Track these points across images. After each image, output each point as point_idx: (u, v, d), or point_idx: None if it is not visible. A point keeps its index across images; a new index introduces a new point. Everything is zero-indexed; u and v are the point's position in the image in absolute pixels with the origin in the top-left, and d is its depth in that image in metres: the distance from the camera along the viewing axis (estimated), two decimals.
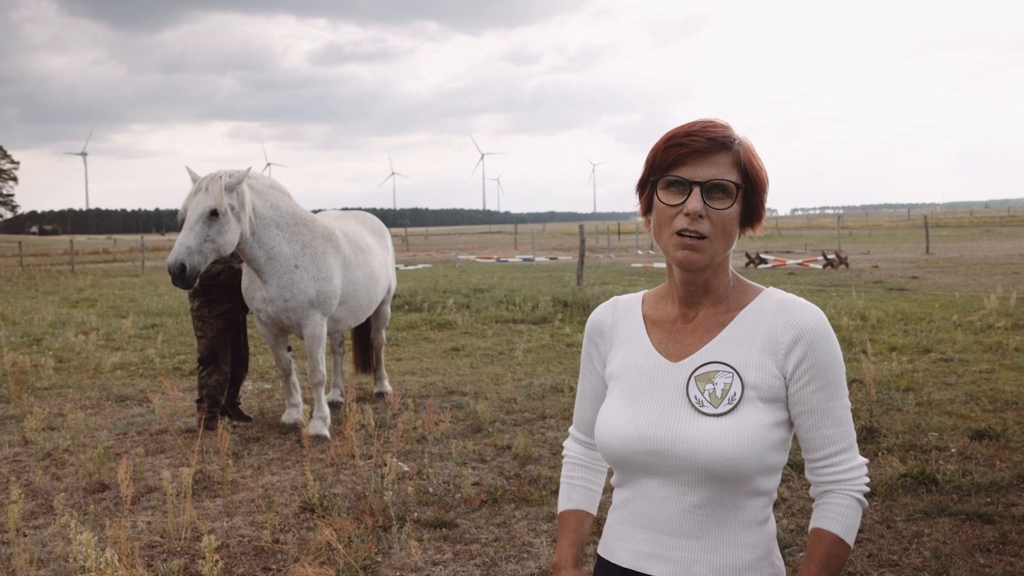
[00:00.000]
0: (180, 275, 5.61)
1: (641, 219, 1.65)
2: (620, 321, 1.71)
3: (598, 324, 1.75)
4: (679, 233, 1.51)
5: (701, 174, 1.50)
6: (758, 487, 1.53)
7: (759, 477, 1.52)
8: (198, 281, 5.83)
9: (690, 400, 1.53)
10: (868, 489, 1.56)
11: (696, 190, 1.50)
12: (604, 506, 1.88)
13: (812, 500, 1.61)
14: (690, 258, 1.52)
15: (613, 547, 1.64)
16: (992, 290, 14.74)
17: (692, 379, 1.55)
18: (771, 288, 1.63)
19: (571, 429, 1.87)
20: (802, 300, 1.58)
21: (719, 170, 1.51)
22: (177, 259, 5.58)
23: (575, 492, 1.81)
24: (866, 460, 1.58)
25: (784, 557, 3.94)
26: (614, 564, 1.63)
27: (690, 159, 1.51)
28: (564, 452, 1.86)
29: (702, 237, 1.50)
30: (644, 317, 1.68)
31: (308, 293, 6.35)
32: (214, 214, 5.68)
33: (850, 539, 1.53)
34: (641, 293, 1.76)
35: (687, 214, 1.50)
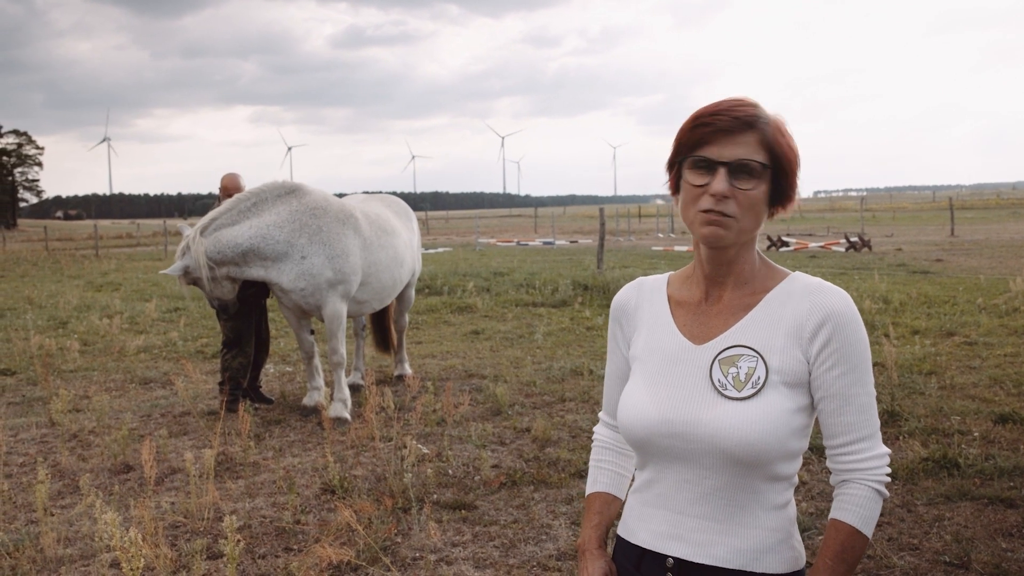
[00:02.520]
0: (223, 310, 6.73)
1: (661, 202, 1.64)
2: (644, 302, 1.69)
3: (623, 304, 1.73)
4: (703, 211, 1.50)
5: (726, 154, 1.49)
6: (778, 472, 1.51)
7: (780, 462, 1.50)
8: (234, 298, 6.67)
9: (713, 383, 1.52)
10: (888, 479, 1.52)
11: (721, 170, 1.48)
12: None
13: (832, 485, 1.60)
14: (716, 233, 1.50)
15: (633, 527, 1.64)
16: (1018, 273, 14.55)
17: (716, 362, 1.53)
18: (798, 272, 1.61)
19: (601, 413, 1.85)
20: (829, 284, 1.55)
21: (745, 150, 1.49)
22: (212, 305, 6.75)
23: (602, 475, 1.79)
24: (888, 450, 1.53)
25: (804, 540, 3.93)
26: (633, 544, 1.63)
27: (715, 138, 1.49)
28: (594, 436, 1.85)
29: (728, 216, 1.49)
30: (669, 298, 1.67)
31: (324, 275, 6.41)
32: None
33: (868, 531, 1.50)
34: (667, 275, 1.74)
35: (712, 194, 1.49)
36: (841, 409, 1.51)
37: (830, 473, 1.58)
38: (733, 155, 1.49)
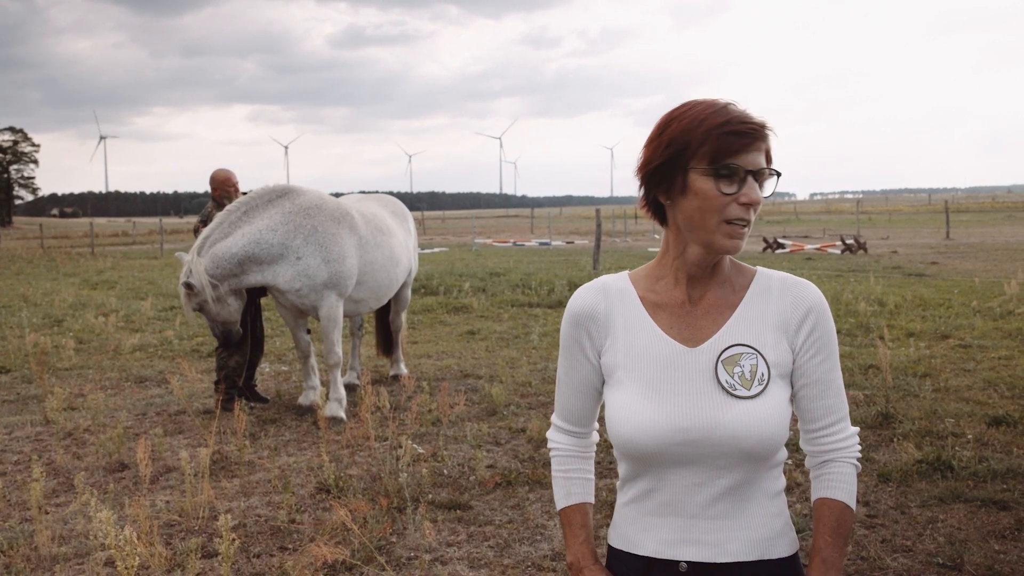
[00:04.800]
0: (226, 338, 6.62)
1: (641, 204, 1.62)
2: (616, 306, 1.63)
3: (589, 310, 1.63)
4: (729, 222, 1.50)
5: (754, 162, 1.50)
6: (778, 459, 1.59)
7: (780, 451, 1.58)
8: (236, 325, 6.65)
9: (722, 385, 1.52)
10: (860, 455, 1.63)
11: (751, 178, 1.50)
12: (610, 490, 1.88)
13: (808, 468, 1.66)
14: (738, 245, 1.52)
15: (636, 539, 1.60)
16: (1013, 276, 14.59)
17: (719, 363, 1.54)
18: (761, 267, 1.65)
19: (554, 418, 1.75)
20: (799, 278, 1.62)
21: (763, 158, 1.52)
22: (215, 334, 6.68)
23: (575, 486, 1.72)
24: (857, 428, 1.63)
25: (799, 541, 3.93)
26: (636, 555, 1.60)
27: (749, 147, 1.49)
28: (551, 445, 1.75)
29: (747, 224, 1.52)
30: (642, 300, 1.62)
31: (320, 276, 6.41)
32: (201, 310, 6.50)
33: (854, 505, 1.60)
34: (625, 274, 1.69)
35: (744, 203, 1.49)
36: (823, 393, 1.59)
37: (805, 456, 1.65)
38: (758, 163, 1.51)
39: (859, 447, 1.62)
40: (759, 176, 1.51)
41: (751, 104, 1.56)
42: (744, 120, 1.50)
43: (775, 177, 1.55)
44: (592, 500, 1.74)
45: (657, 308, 1.61)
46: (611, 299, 1.63)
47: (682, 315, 1.60)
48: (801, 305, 1.58)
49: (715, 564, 1.54)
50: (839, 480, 1.59)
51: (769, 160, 1.54)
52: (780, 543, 1.58)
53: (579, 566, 1.65)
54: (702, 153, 1.49)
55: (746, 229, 1.51)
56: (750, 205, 1.50)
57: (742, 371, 1.53)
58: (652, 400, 1.54)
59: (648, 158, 1.56)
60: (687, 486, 1.55)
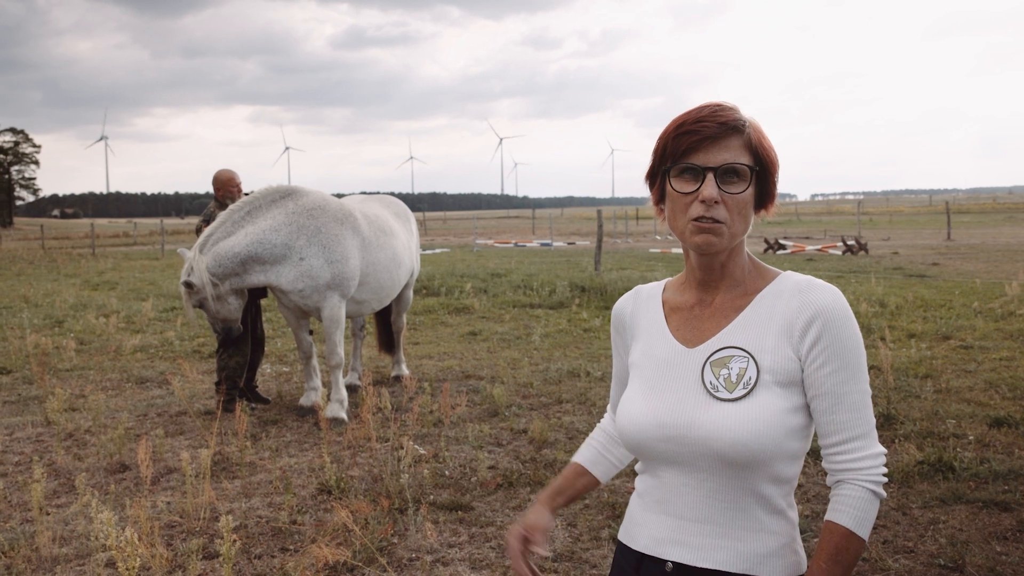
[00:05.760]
0: (227, 335, 6.63)
1: (654, 208, 1.64)
2: (641, 309, 1.71)
3: (620, 313, 1.77)
4: (695, 219, 1.50)
5: (714, 159, 1.50)
6: (779, 474, 1.50)
7: (779, 463, 1.49)
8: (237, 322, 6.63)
9: (705, 385, 1.52)
10: (885, 480, 1.49)
11: (710, 175, 1.49)
12: (621, 491, 1.89)
13: (829, 486, 1.57)
14: (708, 241, 1.51)
15: (633, 533, 1.64)
16: (1014, 277, 14.58)
17: (707, 364, 1.54)
18: (789, 271, 1.61)
19: (608, 407, 1.91)
20: (820, 281, 1.54)
21: (732, 154, 1.50)
22: (216, 330, 6.69)
23: (586, 449, 1.86)
24: (884, 450, 1.51)
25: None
26: (633, 549, 1.63)
27: (702, 145, 1.50)
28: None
29: (719, 222, 1.50)
30: (664, 304, 1.68)
31: (323, 277, 6.41)
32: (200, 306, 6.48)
33: (863, 532, 1.47)
34: (664, 281, 1.75)
35: (702, 200, 1.49)
36: (833, 408, 1.49)
37: (826, 475, 1.56)
38: (721, 160, 1.50)
39: (882, 470, 1.49)
40: (729, 174, 1.50)
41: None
42: (698, 119, 1.51)
43: (750, 172, 1.52)
44: (592, 469, 1.85)
45: (673, 311, 1.66)
46: (639, 303, 1.74)
47: (691, 317, 1.62)
48: (807, 310, 1.50)
49: (700, 568, 1.52)
50: (846, 503, 1.48)
51: (754, 155, 1.53)
52: (773, 563, 1.51)
53: (535, 502, 1.83)
54: (667, 156, 1.54)
55: (720, 225, 1.50)
56: (710, 203, 1.49)
57: (728, 373, 1.51)
58: (646, 395, 1.60)
59: (649, 166, 1.62)
60: (676, 485, 1.56)
